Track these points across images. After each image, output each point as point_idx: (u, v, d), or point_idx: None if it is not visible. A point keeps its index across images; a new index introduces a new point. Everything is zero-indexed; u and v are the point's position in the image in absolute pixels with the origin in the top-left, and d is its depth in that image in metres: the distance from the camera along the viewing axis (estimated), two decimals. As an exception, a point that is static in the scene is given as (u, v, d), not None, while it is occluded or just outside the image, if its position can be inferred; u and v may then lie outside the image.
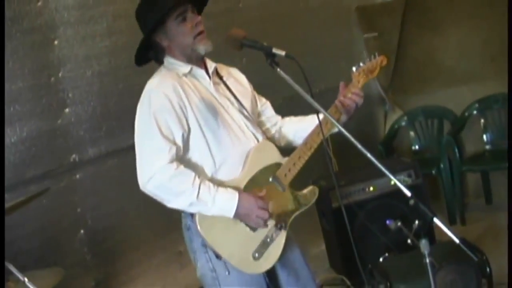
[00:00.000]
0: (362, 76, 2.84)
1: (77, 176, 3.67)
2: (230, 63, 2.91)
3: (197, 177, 2.44)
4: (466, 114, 5.15)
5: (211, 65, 2.67)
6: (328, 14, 5.07)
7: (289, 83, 2.36)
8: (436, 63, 5.28)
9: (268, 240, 2.57)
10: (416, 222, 2.67)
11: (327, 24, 5.04)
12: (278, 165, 2.65)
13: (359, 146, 2.23)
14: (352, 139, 2.26)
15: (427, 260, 2.35)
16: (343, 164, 4.77)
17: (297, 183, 4.54)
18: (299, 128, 2.83)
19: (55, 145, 3.55)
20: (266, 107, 2.89)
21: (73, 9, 3.52)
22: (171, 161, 2.43)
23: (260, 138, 2.67)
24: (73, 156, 3.63)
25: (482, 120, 5.14)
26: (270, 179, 2.62)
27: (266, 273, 2.62)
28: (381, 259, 3.79)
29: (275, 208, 2.57)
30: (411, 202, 2.35)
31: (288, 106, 4.81)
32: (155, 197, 2.49)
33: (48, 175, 3.52)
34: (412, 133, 5.37)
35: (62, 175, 3.60)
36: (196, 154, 2.55)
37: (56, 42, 3.48)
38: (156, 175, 2.41)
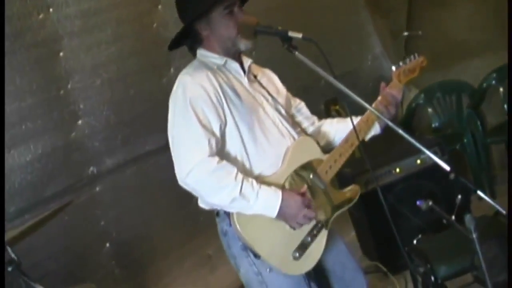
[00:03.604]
0: (402, 75, 2.81)
1: (97, 188, 3.59)
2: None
3: (239, 172, 2.31)
4: (484, 85, 5.01)
5: (246, 60, 2.56)
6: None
7: (310, 66, 2.27)
8: (448, 38, 5.14)
9: (309, 239, 2.45)
10: (459, 196, 2.54)
11: (335, 7, 4.93)
12: (319, 162, 2.54)
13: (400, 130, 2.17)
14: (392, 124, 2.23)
15: (474, 236, 2.25)
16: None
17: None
18: (340, 128, 2.72)
19: (71, 159, 3.47)
20: (301, 107, 2.79)
21: (75, 18, 3.44)
22: (211, 155, 2.30)
23: (296, 136, 2.57)
24: (91, 168, 3.55)
25: (501, 89, 5.00)
26: (311, 176, 2.50)
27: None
28: (415, 241, 3.69)
29: (316, 206, 2.45)
30: (451, 176, 2.25)
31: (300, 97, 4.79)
32: (193, 192, 2.35)
33: (68, 190, 3.44)
34: (430, 110, 5.24)
35: (81, 189, 3.52)
36: (231, 149, 2.42)
37: (61, 54, 3.40)
38: (196, 169, 2.27)
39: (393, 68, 2.81)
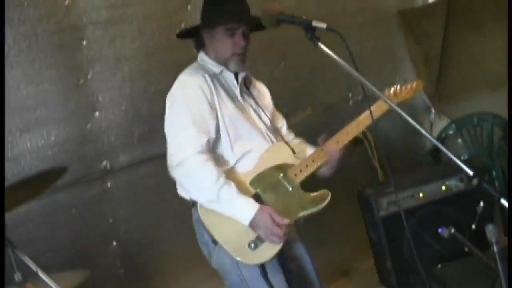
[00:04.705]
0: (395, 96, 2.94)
1: (109, 184, 3.49)
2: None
3: (222, 176, 2.47)
4: (517, 119, 4.85)
5: (242, 73, 2.75)
6: (367, 19, 4.85)
7: (332, 59, 2.21)
8: (482, 67, 5.00)
9: None
10: (481, 203, 2.38)
11: (366, 29, 4.82)
12: (290, 165, 2.69)
13: (418, 126, 2.06)
14: (404, 114, 2.10)
15: (495, 249, 2.08)
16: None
17: (340, 191, 4.34)
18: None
19: (84, 151, 3.38)
20: (283, 124, 2.96)
21: (102, 8, 3.37)
22: (202, 152, 2.48)
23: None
24: (104, 163, 3.45)
25: (536, 124, 4.82)
26: (280, 177, 2.64)
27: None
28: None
29: (280, 205, 2.57)
30: (474, 182, 2.10)
31: (327, 115, 4.67)
32: (179, 183, 2.60)
33: (78, 182, 3.35)
34: (460, 141, 5.08)
35: (92, 183, 3.42)
36: (219, 148, 2.61)
37: (84, 43, 3.33)
38: (185, 162, 2.47)
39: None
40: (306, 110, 4.48)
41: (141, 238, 3.62)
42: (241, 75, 2.73)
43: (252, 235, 2.49)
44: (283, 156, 2.72)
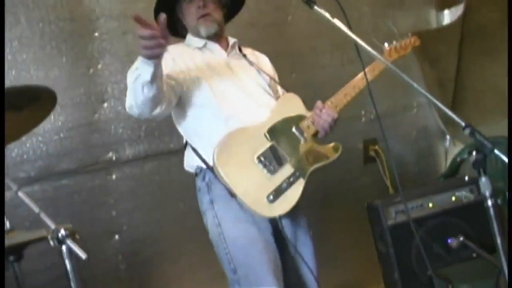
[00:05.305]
0: (394, 51, 3.10)
1: (113, 176, 3.49)
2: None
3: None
4: (532, 142, 4.78)
5: (231, 40, 2.79)
6: (380, 39, 4.88)
7: (330, 21, 2.28)
8: (497, 91, 4.95)
9: (285, 185, 2.53)
10: (474, 153, 2.32)
11: (379, 49, 4.85)
12: (302, 117, 2.69)
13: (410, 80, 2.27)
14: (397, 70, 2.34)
15: (489, 203, 2.03)
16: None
17: (352, 210, 4.28)
18: None
19: (91, 140, 3.41)
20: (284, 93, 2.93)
21: (115, 2, 3.46)
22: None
23: (273, 102, 2.73)
24: (110, 154, 3.47)
25: (551, 147, 4.74)
26: (293, 129, 2.65)
27: (276, 239, 2.58)
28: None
29: (295, 157, 2.59)
30: (466, 131, 2.08)
31: (337, 130, 4.65)
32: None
33: (82, 171, 3.36)
34: (475, 165, 5.00)
35: (97, 173, 3.43)
36: (208, 111, 2.59)
37: (96, 34, 3.42)
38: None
39: (385, 44, 3.05)
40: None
41: (143, 234, 3.58)
42: (230, 42, 2.76)
43: (270, 187, 2.48)
44: (296, 107, 2.72)
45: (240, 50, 2.82)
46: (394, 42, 3.09)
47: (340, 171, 4.52)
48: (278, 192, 2.49)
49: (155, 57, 2.19)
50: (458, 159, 5.07)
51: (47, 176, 3.21)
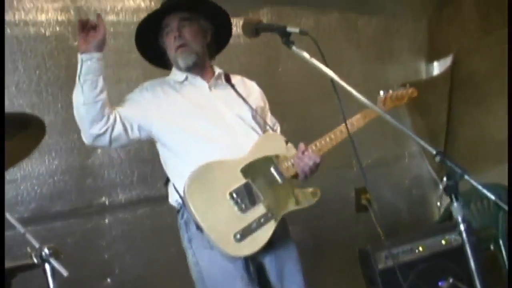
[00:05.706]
0: (389, 101, 3.04)
1: (106, 220, 3.56)
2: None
3: None
4: (522, 189, 4.83)
5: (217, 70, 2.77)
6: (371, 89, 5.00)
7: (306, 60, 2.31)
8: (486, 139, 5.05)
9: (255, 225, 2.47)
10: (444, 179, 2.37)
11: (370, 97, 4.96)
12: (283, 157, 2.64)
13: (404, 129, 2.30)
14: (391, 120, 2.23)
15: (462, 227, 2.09)
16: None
17: (343, 257, 4.30)
18: None
19: (84, 184, 3.49)
20: (275, 124, 2.94)
21: (109, 52, 3.59)
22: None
23: (256, 136, 2.68)
24: (103, 198, 3.55)
25: (543, 193, 4.79)
26: (272, 169, 2.60)
27: (254, 268, 2.55)
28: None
29: (271, 197, 2.53)
30: (437, 159, 2.14)
31: (329, 178, 4.70)
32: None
33: (75, 213, 3.44)
34: (468, 213, 5.05)
35: (90, 216, 3.50)
36: (180, 150, 2.60)
37: (91, 81, 3.53)
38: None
39: (381, 92, 2.97)
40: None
41: (135, 277, 3.62)
42: (217, 72, 2.73)
43: (239, 226, 2.44)
44: (276, 146, 2.67)
45: (228, 79, 2.77)
46: (390, 91, 3.03)
47: (333, 219, 4.59)
48: (246, 232, 2.44)
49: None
50: (451, 208, 5.12)
51: (40, 218, 3.28)
